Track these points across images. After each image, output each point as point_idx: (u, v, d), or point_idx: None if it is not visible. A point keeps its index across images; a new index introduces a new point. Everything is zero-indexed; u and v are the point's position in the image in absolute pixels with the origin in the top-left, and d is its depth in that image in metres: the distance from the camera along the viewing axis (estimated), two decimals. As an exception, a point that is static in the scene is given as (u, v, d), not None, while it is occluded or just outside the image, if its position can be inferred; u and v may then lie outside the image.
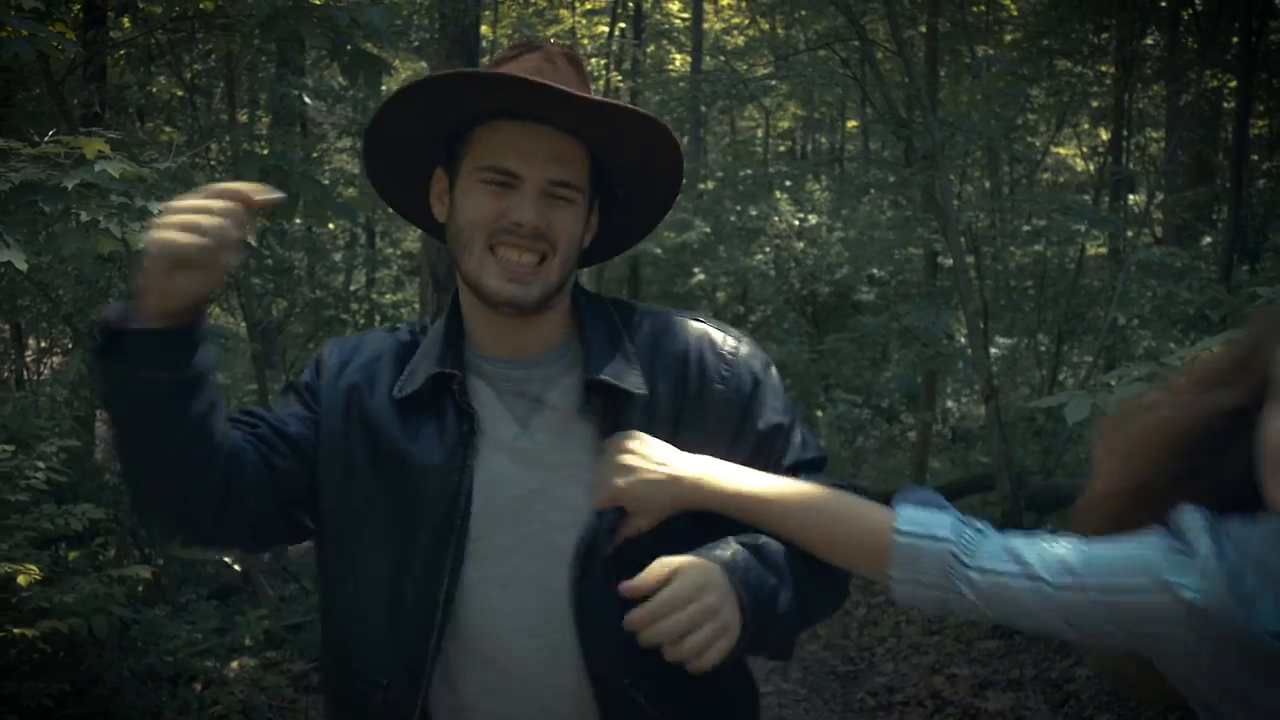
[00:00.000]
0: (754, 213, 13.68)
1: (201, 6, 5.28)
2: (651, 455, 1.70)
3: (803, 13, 13.47)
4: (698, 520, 1.70)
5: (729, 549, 1.66)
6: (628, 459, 1.70)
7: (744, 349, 1.86)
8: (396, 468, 1.74)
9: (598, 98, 1.68)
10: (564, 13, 17.54)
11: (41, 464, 4.51)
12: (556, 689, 1.72)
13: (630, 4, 16.54)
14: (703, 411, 1.80)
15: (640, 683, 1.69)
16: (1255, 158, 11.83)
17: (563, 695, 1.71)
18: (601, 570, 1.69)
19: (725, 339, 1.86)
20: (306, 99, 8.82)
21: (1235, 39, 9.63)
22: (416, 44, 11.52)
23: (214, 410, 1.63)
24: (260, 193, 1.56)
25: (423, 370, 1.76)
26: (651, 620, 1.56)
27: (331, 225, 9.38)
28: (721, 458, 1.75)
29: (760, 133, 18.37)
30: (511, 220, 1.68)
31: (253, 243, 6.97)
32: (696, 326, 1.87)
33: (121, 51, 7.72)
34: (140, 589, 5.16)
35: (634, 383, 1.75)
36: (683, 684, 1.63)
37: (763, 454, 1.81)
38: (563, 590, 1.70)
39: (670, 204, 1.89)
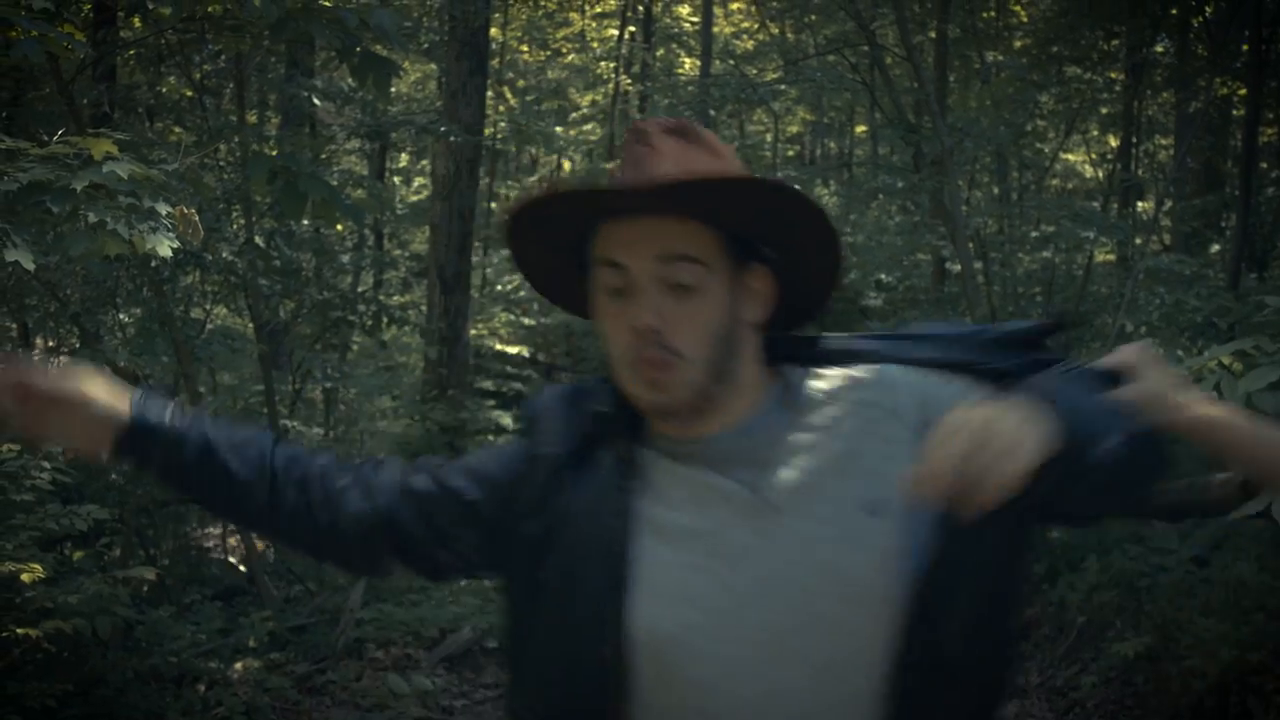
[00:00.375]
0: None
1: (210, 10, 5.29)
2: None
3: (812, 17, 13.48)
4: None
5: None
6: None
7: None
8: None
9: (672, 178, 1.48)
10: (574, 16, 17.57)
11: (47, 464, 4.52)
12: None
13: (640, 8, 16.55)
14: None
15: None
16: (1264, 165, 11.79)
17: None
18: None
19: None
20: (315, 100, 8.83)
21: (1245, 47, 9.61)
22: (426, 46, 11.56)
23: (209, 454, 1.65)
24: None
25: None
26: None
27: (340, 226, 9.38)
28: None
29: (769, 137, 18.34)
30: (634, 327, 1.50)
31: (260, 244, 7.01)
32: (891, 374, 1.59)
33: (132, 52, 7.74)
34: (145, 589, 5.16)
35: None
36: None
37: None
38: None
39: (832, 242, 1.60)
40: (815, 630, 1.45)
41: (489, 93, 12.32)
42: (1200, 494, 2.12)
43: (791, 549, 1.47)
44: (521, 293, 14.46)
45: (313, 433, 8.97)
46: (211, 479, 1.65)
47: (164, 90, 9.50)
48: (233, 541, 7.42)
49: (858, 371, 1.60)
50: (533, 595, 1.60)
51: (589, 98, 18.36)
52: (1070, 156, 14.88)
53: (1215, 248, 12.12)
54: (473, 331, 12.18)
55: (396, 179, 17.22)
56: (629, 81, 16.05)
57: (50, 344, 7.26)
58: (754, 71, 14.53)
